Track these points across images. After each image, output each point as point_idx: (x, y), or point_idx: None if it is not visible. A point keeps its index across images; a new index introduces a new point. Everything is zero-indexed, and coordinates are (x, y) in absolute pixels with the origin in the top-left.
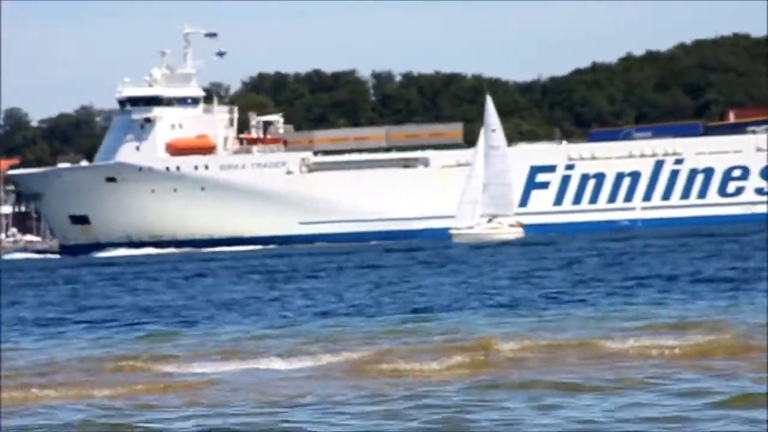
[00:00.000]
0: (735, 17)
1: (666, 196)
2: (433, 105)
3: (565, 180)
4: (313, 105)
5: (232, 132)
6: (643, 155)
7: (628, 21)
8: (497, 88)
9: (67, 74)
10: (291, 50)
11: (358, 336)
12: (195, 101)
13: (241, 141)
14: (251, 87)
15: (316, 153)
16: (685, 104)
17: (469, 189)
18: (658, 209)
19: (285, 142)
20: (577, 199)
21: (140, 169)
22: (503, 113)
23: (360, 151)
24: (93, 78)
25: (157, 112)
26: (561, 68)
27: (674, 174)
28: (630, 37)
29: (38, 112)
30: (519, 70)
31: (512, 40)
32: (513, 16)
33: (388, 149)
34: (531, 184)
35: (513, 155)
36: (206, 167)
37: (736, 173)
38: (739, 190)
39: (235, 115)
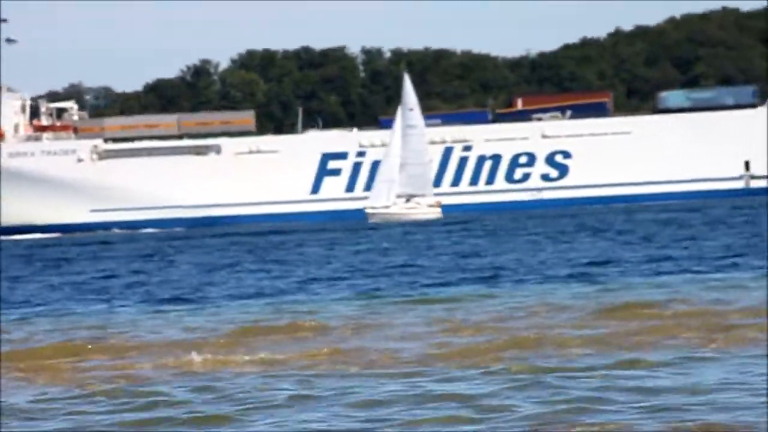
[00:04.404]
0: None
1: (455, 182)
2: (423, 81)
3: (357, 167)
4: (302, 82)
5: (24, 119)
6: (432, 142)
7: None
8: (486, 63)
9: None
10: (279, 27)
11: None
12: None
13: (35, 128)
14: (240, 64)
15: (106, 140)
16: (674, 78)
17: (385, 168)
18: (447, 195)
19: (75, 130)
20: (368, 187)
21: None
22: (493, 89)
23: (151, 138)
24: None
25: None
26: (550, 44)
27: (463, 161)
28: (619, 12)
29: (27, 89)
30: (508, 46)
31: (500, 15)
32: None
33: (180, 136)
34: (323, 171)
35: (305, 142)
36: None
37: (523, 160)
38: (526, 177)
39: (27, 102)
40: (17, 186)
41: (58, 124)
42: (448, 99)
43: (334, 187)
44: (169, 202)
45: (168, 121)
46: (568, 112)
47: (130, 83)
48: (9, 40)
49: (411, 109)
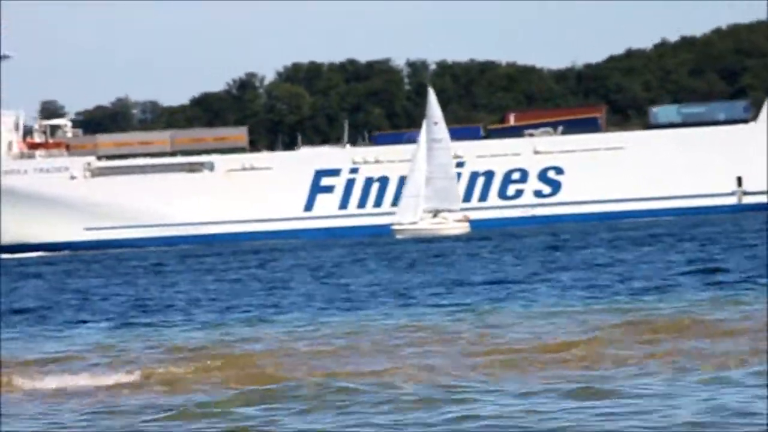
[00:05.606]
0: None
1: None
2: (468, 93)
3: (350, 184)
4: (347, 94)
5: (17, 136)
6: None
7: (662, 6)
8: (532, 75)
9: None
10: (325, 39)
11: None
12: None
13: (28, 146)
14: (286, 77)
15: (99, 158)
16: (721, 89)
17: (411, 183)
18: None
19: (68, 147)
20: (362, 203)
21: None
22: (538, 101)
23: (145, 155)
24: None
25: None
26: (595, 55)
27: (455, 177)
28: (665, 23)
29: (75, 104)
30: (553, 58)
31: (546, 27)
32: (547, 3)
33: (173, 153)
34: (316, 188)
35: (298, 159)
36: None
37: (516, 176)
38: (519, 193)
39: (21, 119)
40: (11, 204)
41: (51, 141)
42: (493, 111)
43: (327, 204)
44: (163, 220)
45: (161, 138)
46: (560, 128)
47: (176, 97)
48: (4, 57)
49: (436, 123)
